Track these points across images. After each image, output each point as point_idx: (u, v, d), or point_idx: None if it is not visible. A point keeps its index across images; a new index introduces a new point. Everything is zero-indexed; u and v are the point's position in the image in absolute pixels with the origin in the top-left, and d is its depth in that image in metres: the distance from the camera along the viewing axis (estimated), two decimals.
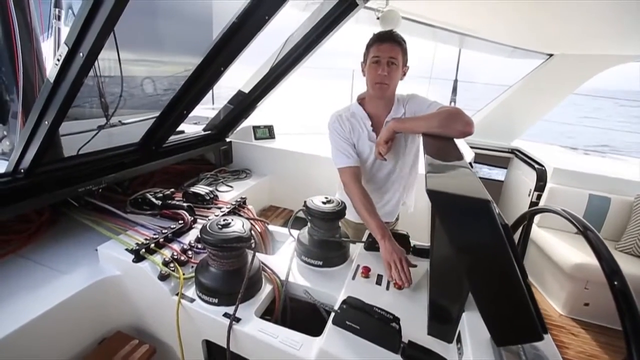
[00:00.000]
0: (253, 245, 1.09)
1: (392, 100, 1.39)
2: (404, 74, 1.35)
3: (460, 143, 3.11)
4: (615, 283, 0.70)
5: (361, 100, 1.44)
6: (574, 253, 2.30)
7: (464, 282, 0.79)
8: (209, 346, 1.13)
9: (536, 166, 2.81)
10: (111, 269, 1.21)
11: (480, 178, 3.89)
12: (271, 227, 1.61)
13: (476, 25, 2.43)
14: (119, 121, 1.99)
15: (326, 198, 1.31)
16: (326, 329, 0.92)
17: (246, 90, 2.12)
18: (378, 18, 1.81)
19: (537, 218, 2.69)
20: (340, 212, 1.27)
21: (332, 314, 0.93)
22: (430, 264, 0.94)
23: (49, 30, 1.58)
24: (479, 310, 0.61)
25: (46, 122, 1.05)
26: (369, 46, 1.32)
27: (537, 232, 2.61)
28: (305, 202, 1.30)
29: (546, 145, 3.64)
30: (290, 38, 1.91)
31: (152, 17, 1.74)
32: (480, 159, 3.63)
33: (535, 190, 2.72)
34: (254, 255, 1.09)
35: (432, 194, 0.55)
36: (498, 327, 0.61)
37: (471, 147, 3.27)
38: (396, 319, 0.84)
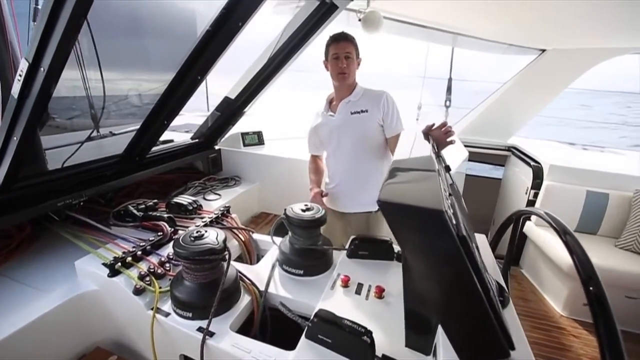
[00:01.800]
0: (227, 256, 1.06)
1: (352, 86, 1.67)
2: (359, 64, 1.65)
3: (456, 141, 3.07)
4: (591, 288, 0.67)
5: (330, 100, 1.75)
6: None
7: None
8: None
9: (532, 163, 2.76)
10: (89, 284, 1.19)
11: (478, 177, 3.87)
12: (256, 236, 1.59)
13: (462, 23, 2.40)
14: (110, 132, 1.99)
15: (305, 205, 1.28)
16: (299, 343, 0.89)
17: (232, 97, 2.11)
18: (360, 20, 1.79)
19: (534, 216, 2.64)
20: (320, 220, 1.24)
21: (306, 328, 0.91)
22: (403, 269, 0.91)
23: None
24: (442, 327, 0.58)
25: (15, 138, 1.04)
26: (327, 46, 1.61)
27: (535, 231, 2.56)
28: (285, 209, 1.28)
29: (543, 142, 3.59)
30: (272, 43, 1.89)
31: (138, 37, 1.73)
32: (477, 157, 3.58)
33: (531, 188, 2.67)
34: (227, 267, 1.06)
35: (382, 204, 0.52)
36: (461, 345, 0.57)
37: (467, 146, 3.23)
38: (368, 332, 0.81)
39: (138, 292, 1.09)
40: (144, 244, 1.25)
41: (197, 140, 2.22)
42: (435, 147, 1.16)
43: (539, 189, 2.62)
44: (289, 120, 3.83)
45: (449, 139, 1.34)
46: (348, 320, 0.84)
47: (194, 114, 3.61)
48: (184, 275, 1.07)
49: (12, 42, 1.36)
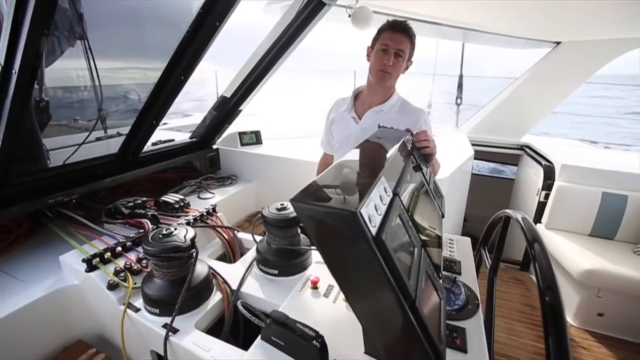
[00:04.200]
0: (194, 254, 1.07)
1: (390, 91, 1.44)
2: (407, 68, 1.39)
3: (462, 140, 2.96)
4: (547, 299, 0.63)
5: (358, 93, 1.52)
6: (585, 257, 2.10)
7: None
8: (159, 357, 1.12)
9: (544, 163, 2.61)
10: (71, 279, 1.23)
11: (489, 176, 3.71)
12: (242, 235, 1.59)
13: (463, 16, 2.29)
14: (117, 132, 2.06)
15: (282, 204, 1.27)
16: (254, 343, 0.88)
17: (228, 95, 2.13)
18: (349, 16, 1.75)
19: (545, 218, 2.49)
20: (295, 219, 1.22)
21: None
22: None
23: None
24: (367, 335, 0.55)
25: None
26: (380, 31, 1.35)
27: (545, 234, 2.41)
28: (262, 208, 1.27)
29: (561, 140, 3.39)
30: (264, 41, 1.89)
31: (138, 25, 1.77)
32: (488, 156, 3.44)
33: (542, 189, 2.52)
34: (194, 265, 1.07)
35: (294, 207, 0.50)
36: (387, 355, 0.54)
37: (477, 145, 3.10)
38: (318, 337, 0.78)
39: (112, 287, 1.12)
40: (123, 240, 1.28)
41: (194, 139, 2.25)
42: (410, 147, 1.11)
43: (550, 190, 2.47)
44: (297, 117, 3.82)
45: (423, 152, 1.21)
46: (300, 323, 0.82)
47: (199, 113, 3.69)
48: (153, 272, 1.08)
49: None
